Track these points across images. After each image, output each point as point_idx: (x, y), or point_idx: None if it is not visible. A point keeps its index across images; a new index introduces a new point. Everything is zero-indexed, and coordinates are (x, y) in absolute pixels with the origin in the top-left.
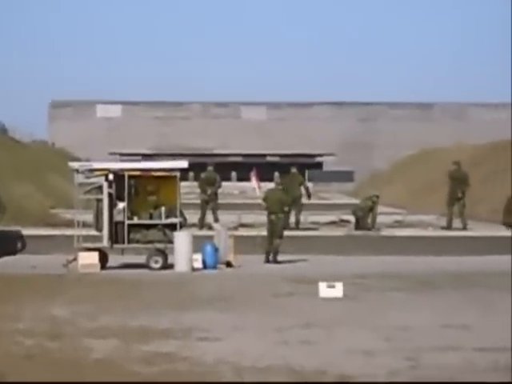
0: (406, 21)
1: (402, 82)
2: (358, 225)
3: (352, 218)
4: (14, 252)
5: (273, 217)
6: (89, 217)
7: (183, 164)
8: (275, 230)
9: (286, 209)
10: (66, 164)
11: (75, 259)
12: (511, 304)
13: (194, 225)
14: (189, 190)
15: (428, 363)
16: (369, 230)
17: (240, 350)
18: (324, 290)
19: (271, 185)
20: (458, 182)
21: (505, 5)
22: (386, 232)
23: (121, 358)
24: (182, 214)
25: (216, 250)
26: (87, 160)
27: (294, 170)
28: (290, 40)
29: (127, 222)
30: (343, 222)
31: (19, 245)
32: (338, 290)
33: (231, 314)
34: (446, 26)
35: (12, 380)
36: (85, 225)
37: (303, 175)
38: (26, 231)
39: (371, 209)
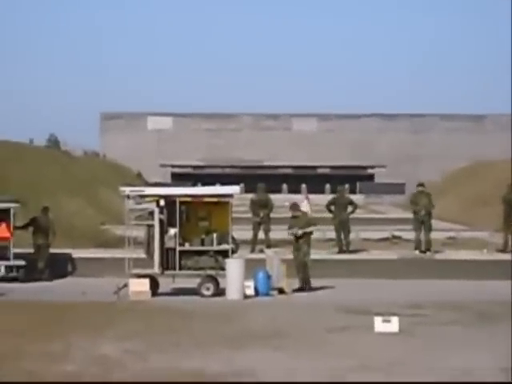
0: (457, 33)
1: (453, 94)
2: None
3: (404, 234)
4: (64, 275)
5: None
6: (139, 232)
7: (235, 189)
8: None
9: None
10: (117, 177)
11: (126, 286)
12: None
13: (244, 242)
14: (239, 203)
15: None
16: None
17: None
18: (379, 325)
19: (322, 198)
20: None
21: None
22: (439, 255)
23: None
24: (233, 240)
25: (268, 276)
26: (138, 173)
27: (340, 189)
28: (341, 52)
29: (178, 248)
30: (395, 239)
31: (70, 268)
32: (393, 325)
33: (284, 353)
34: (496, 37)
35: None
36: (135, 242)
37: (354, 188)
38: (76, 253)
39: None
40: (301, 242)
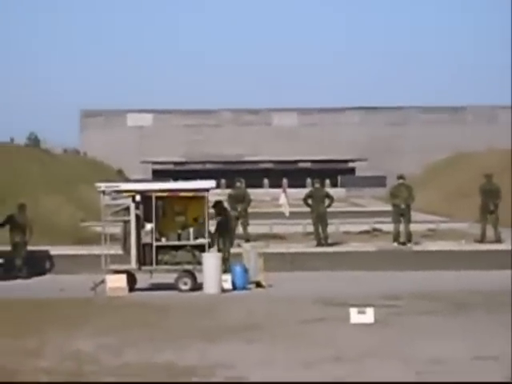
0: (437, 24)
1: (433, 86)
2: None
3: (385, 227)
4: (42, 272)
5: None
6: (118, 229)
7: (211, 184)
8: None
9: None
10: (97, 174)
11: (103, 282)
12: None
13: None
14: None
15: None
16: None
17: None
18: (355, 316)
19: (303, 192)
20: (490, 195)
21: None
22: (417, 247)
23: None
24: (210, 235)
25: (245, 270)
26: (119, 170)
27: (317, 184)
28: (320, 46)
29: (155, 243)
30: (376, 232)
31: (47, 265)
32: (369, 316)
33: (259, 345)
34: (477, 29)
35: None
36: (113, 238)
37: (335, 181)
38: (54, 251)
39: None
40: None
